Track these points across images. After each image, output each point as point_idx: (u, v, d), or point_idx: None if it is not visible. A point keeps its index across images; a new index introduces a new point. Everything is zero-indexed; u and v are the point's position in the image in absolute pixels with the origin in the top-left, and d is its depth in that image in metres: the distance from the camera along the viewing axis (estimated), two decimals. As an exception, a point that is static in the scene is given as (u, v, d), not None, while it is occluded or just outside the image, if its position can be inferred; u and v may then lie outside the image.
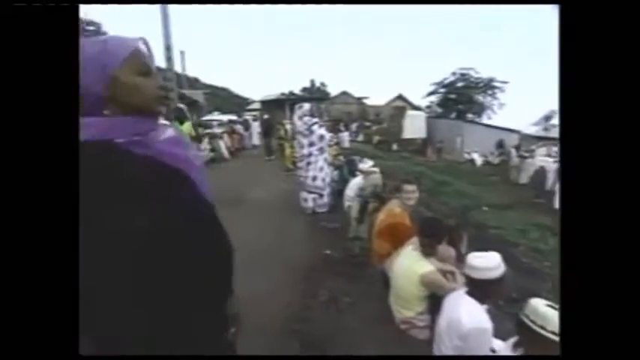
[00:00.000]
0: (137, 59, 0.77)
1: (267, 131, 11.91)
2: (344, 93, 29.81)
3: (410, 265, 2.20)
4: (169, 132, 0.84)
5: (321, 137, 5.06)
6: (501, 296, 2.53)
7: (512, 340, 1.50)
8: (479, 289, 1.62)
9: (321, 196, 5.10)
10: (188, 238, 0.78)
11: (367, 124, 23.15)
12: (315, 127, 5.06)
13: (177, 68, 17.96)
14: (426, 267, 2.15)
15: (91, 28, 8.41)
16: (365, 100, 29.74)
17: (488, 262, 1.61)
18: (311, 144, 5.07)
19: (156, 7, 11.50)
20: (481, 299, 1.61)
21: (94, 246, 0.67)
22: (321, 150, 5.09)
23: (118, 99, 0.75)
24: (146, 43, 0.82)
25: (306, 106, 5.35)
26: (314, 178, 5.06)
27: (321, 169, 5.08)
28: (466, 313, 1.57)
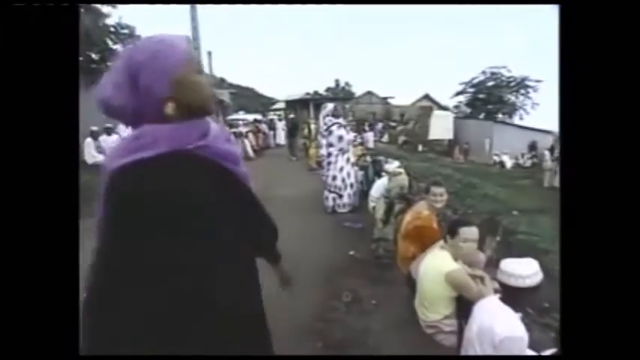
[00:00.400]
0: (191, 58, 0.78)
1: (292, 131, 11.89)
2: (369, 93, 29.57)
3: (436, 265, 2.16)
4: (214, 128, 0.84)
5: (340, 138, 5.06)
6: (534, 305, 2.43)
7: (551, 351, 1.43)
8: (512, 297, 1.57)
9: (341, 196, 5.10)
10: (246, 226, 0.86)
11: (392, 124, 22.84)
12: (334, 128, 5.08)
13: (205, 69, 18.49)
14: (453, 265, 2.10)
15: (125, 31, 8.72)
16: (390, 100, 29.35)
17: (525, 269, 1.55)
18: (330, 144, 5.12)
19: (184, 9, 11.85)
20: (514, 307, 1.56)
21: (182, 249, 0.71)
22: (342, 150, 5.09)
23: (180, 99, 0.75)
24: (190, 42, 0.83)
25: (330, 106, 5.39)
26: (334, 178, 5.10)
27: (341, 169, 5.09)
28: (500, 321, 1.52)
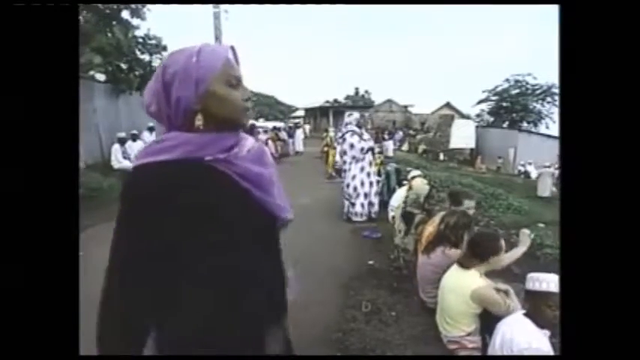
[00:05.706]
0: (228, 70, 0.76)
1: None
2: (388, 101, 29.43)
3: (460, 281, 2.08)
4: (248, 145, 0.83)
5: (351, 146, 5.02)
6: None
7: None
8: (536, 310, 1.50)
9: (353, 204, 5.06)
10: (247, 251, 0.80)
11: (412, 132, 22.62)
12: (347, 136, 5.08)
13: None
14: (479, 281, 2.01)
15: (153, 42, 9.01)
16: (410, 108, 29.10)
17: (548, 275, 1.49)
18: (343, 152, 5.17)
19: (208, 19, 12.19)
20: (539, 323, 1.49)
21: (172, 256, 0.71)
22: (355, 159, 5.04)
23: (209, 110, 0.75)
24: (234, 52, 0.81)
25: (351, 114, 5.39)
26: (347, 186, 5.11)
27: (354, 177, 5.06)
28: (520, 333, 1.48)
